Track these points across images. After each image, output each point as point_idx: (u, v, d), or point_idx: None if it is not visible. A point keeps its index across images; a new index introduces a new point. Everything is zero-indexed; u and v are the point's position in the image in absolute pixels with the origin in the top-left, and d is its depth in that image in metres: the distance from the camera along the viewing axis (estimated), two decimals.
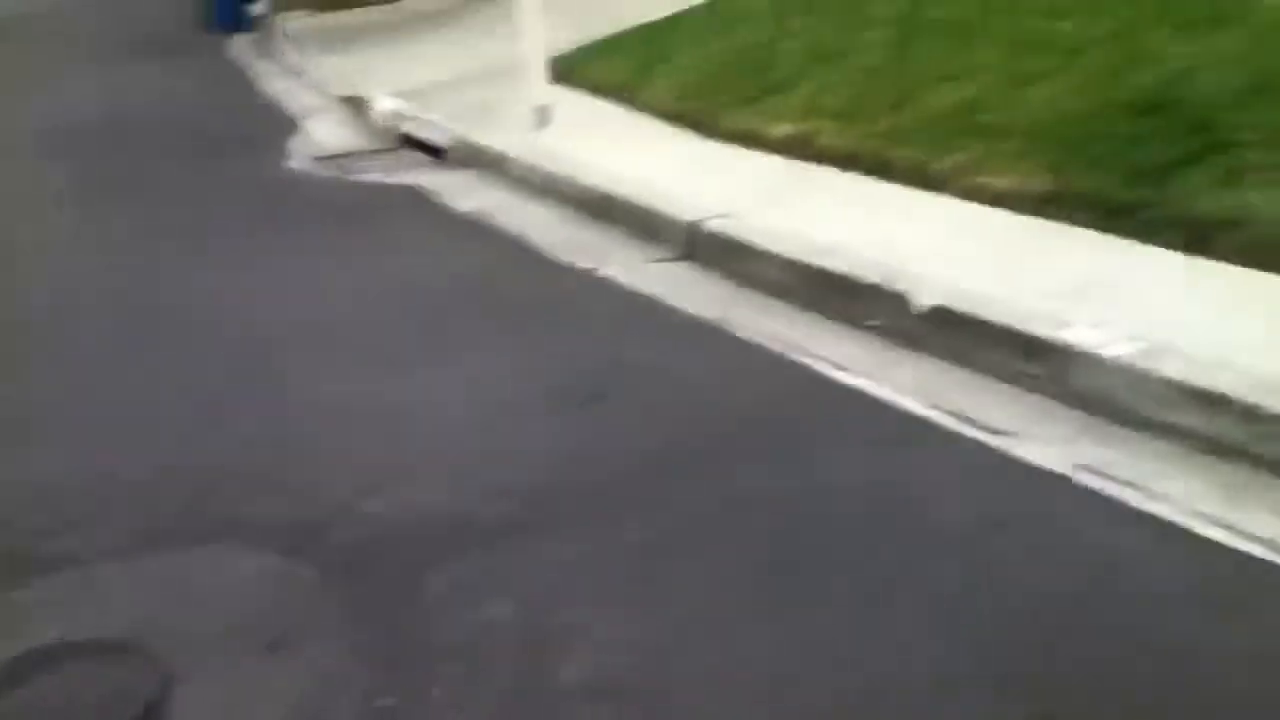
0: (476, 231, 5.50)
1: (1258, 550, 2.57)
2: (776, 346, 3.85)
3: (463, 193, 6.07)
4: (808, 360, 3.72)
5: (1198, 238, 3.80)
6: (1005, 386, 3.37)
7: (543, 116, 6.41)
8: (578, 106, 6.72)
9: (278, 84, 9.84)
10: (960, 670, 2.32)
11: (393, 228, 5.74)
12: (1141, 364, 3.15)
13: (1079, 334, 3.32)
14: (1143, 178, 4.29)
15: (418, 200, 6.11)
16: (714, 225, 4.67)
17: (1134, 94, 5.10)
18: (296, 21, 11.91)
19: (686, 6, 8.33)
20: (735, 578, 2.69)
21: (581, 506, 3.06)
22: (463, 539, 2.97)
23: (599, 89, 6.88)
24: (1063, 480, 2.91)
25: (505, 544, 2.93)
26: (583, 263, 4.86)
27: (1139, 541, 2.66)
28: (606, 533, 2.92)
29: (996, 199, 4.43)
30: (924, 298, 3.74)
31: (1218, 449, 2.91)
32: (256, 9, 13.23)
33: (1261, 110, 4.65)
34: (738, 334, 3.99)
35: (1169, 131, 4.65)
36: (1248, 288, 3.52)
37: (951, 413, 3.29)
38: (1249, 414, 2.88)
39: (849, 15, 7.34)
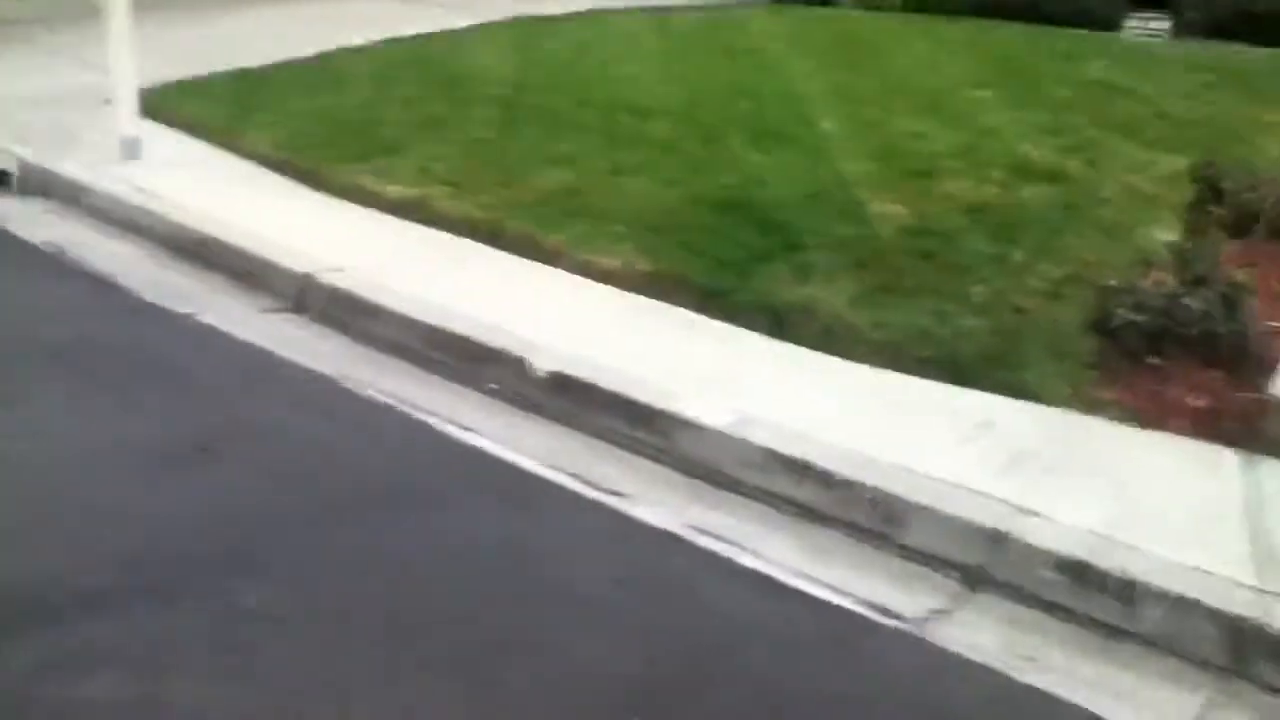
0: (53, 267, 4.99)
1: (834, 599, 2.95)
2: (398, 406, 3.84)
3: (33, 224, 5.47)
4: (430, 420, 3.75)
5: (778, 323, 4.30)
6: (619, 451, 3.60)
7: (131, 149, 5.96)
8: (172, 144, 6.31)
9: None
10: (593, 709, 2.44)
11: None
12: (736, 433, 3.50)
13: (682, 404, 3.64)
14: (729, 267, 4.80)
15: None
16: (329, 278, 4.58)
17: (717, 192, 5.69)
18: None
19: (288, 58, 8.15)
20: (354, 643, 2.64)
21: (191, 571, 2.86)
22: (52, 609, 2.68)
23: (195, 129, 6.52)
24: (675, 539, 3.16)
25: (103, 613, 2.68)
26: (180, 308, 4.56)
27: (743, 594, 2.95)
28: (219, 598, 2.76)
29: (603, 275, 4.74)
30: (542, 364, 3.92)
31: (803, 511, 3.30)
32: None
33: (818, 217, 5.39)
34: (357, 391, 3.93)
35: (747, 228, 5.24)
36: (820, 368, 4.04)
37: (571, 474, 3.45)
38: (826, 480, 3.30)
39: (452, 90, 7.55)
